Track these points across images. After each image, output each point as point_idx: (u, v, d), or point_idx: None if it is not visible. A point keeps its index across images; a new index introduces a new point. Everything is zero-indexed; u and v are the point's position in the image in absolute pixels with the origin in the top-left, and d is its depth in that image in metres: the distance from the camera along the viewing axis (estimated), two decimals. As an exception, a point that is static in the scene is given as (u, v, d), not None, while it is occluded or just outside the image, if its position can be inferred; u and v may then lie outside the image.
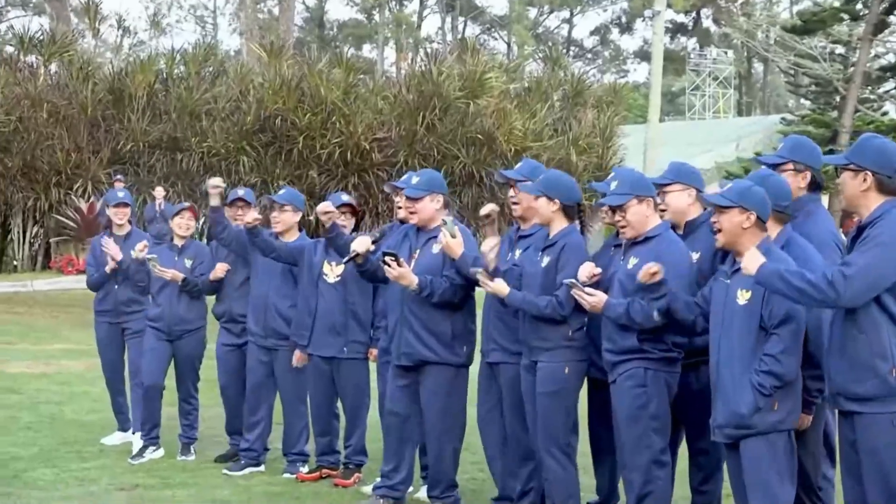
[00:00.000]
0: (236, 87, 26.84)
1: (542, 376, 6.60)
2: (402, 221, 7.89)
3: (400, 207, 7.89)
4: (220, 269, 9.09)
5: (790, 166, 5.95)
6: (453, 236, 7.00)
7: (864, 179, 5.14)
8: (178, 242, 9.34)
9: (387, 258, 7.12)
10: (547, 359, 6.60)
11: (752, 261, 5.26)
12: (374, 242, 7.58)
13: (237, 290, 9.05)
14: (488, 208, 7.51)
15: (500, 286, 6.65)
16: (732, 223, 5.48)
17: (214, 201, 8.71)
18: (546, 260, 6.66)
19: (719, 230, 5.54)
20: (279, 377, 8.73)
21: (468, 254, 7.00)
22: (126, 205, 9.76)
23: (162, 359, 9.29)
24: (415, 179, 7.44)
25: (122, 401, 9.87)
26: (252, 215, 8.52)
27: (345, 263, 7.59)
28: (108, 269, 9.55)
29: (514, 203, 7.09)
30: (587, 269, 6.36)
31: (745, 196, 5.49)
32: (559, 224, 6.71)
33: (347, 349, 8.26)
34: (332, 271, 8.30)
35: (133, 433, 9.55)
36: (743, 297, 5.40)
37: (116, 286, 9.63)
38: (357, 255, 7.45)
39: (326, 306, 8.27)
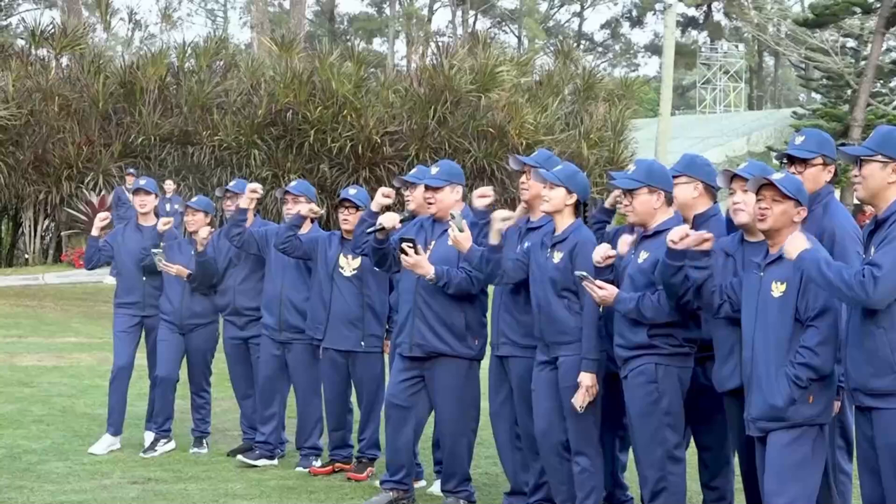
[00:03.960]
0: (247, 81, 26.84)
1: (566, 371, 6.57)
2: (413, 216, 7.87)
3: (409, 202, 7.87)
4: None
5: (819, 160, 5.92)
6: (461, 230, 6.96)
7: (894, 171, 5.11)
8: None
9: (404, 244, 7.08)
10: (569, 352, 6.56)
11: (795, 244, 5.21)
12: (401, 222, 7.57)
13: (241, 283, 9.03)
14: (485, 196, 7.29)
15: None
16: (787, 215, 5.42)
17: (245, 203, 8.72)
18: (558, 256, 6.62)
19: (764, 217, 5.46)
20: (293, 371, 8.73)
21: (477, 248, 6.96)
22: (148, 192, 9.46)
23: (175, 351, 9.28)
24: (434, 170, 7.43)
25: (120, 403, 9.42)
26: (311, 207, 8.49)
27: (368, 234, 7.53)
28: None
29: (524, 189, 7.06)
30: (602, 251, 6.31)
31: (802, 191, 5.48)
32: (567, 218, 6.68)
33: (365, 343, 8.25)
34: (349, 264, 8.29)
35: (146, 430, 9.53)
36: (778, 289, 5.35)
37: (144, 278, 9.43)
38: (383, 228, 7.41)
39: (343, 299, 8.25)
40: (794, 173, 5.80)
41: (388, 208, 7.86)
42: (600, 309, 6.42)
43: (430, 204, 7.38)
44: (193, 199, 9.47)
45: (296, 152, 25.81)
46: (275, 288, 8.71)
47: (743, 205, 5.84)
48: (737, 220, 5.89)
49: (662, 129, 35.49)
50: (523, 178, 7.08)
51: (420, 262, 7.07)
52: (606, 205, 7.05)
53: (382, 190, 7.73)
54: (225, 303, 9.14)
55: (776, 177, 5.48)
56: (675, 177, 6.34)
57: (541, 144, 25.26)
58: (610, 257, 6.29)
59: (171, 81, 27.07)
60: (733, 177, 5.92)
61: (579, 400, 6.42)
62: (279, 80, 26.26)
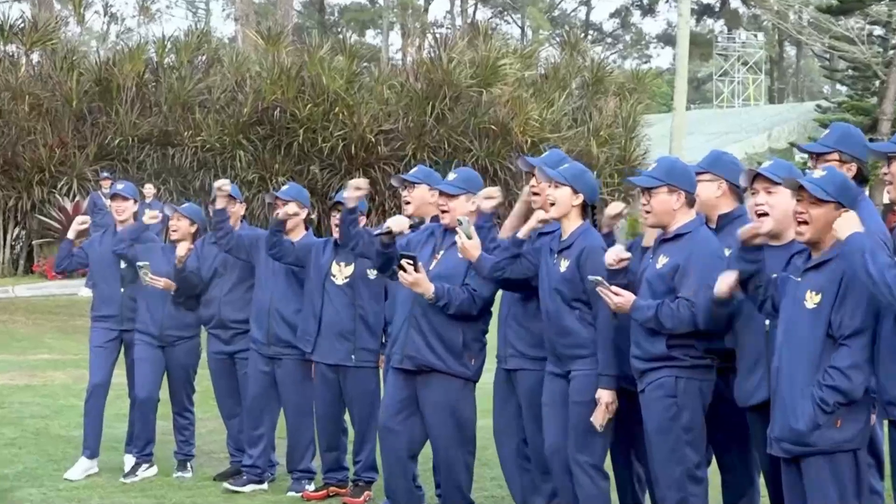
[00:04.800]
0: (232, 77, 26.86)
1: (578, 385, 6.57)
2: (421, 221, 7.85)
3: (408, 203, 7.85)
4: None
5: (835, 156, 5.89)
6: (469, 237, 6.95)
7: None
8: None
9: (403, 260, 7.07)
10: (583, 367, 6.55)
11: (849, 224, 5.09)
12: (410, 227, 7.61)
13: (228, 294, 9.00)
14: (491, 197, 7.19)
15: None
16: (827, 219, 5.28)
17: (220, 203, 8.71)
18: (564, 264, 6.60)
19: (805, 222, 5.34)
20: (282, 388, 8.70)
21: (486, 256, 6.95)
22: (126, 198, 9.42)
23: (156, 369, 9.24)
24: (451, 176, 7.46)
25: (97, 424, 9.36)
26: (291, 208, 8.47)
27: (375, 236, 7.56)
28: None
29: (536, 193, 7.04)
30: (615, 253, 6.29)
31: (845, 193, 5.32)
32: (574, 221, 6.66)
33: (356, 357, 8.23)
34: (341, 272, 8.28)
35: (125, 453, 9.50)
36: (812, 300, 5.26)
37: (123, 289, 9.40)
38: (390, 231, 7.42)
39: (334, 310, 8.25)
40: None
41: (396, 211, 7.90)
42: (615, 318, 6.40)
43: (443, 212, 7.37)
44: (184, 206, 9.44)
45: (284, 153, 25.80)
46: (264, 298, 8.69)
47: (767, 207, 5.77)
48: (760, 228, 5.73)
49: (677, 124, 35.52)
50: (533, 182, 7.05)
51: (419, 281, 7.06)
52: (603, 228, 6.98)
53: (352, 182, 7.77)
54: (209, 315, 9.09)
55: (816, 175, 5.35)
56: (698, 174, 6.32)
57: (547, 142, 25.27)
58: (624, 260, 6.27)
59: (150, 78, 27.08)
60: (756, 176, 5.87)
61: (599, 419, 6.41)
62: (265, 76, 26.26)
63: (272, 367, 8.72)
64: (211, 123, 25.79)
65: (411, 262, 7.03)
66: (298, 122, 25.65)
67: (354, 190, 7.78)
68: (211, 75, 27.22)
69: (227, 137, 25.72)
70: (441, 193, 7.39)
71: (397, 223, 7.49)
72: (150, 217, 9.21)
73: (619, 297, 6.14)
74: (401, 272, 7.05)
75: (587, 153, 26.59)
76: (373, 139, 25.58)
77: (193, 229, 9.22)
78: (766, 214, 5.75)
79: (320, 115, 25.66)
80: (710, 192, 6.33)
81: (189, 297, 9.13)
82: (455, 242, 7.15)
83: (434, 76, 26.46)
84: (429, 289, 7.04)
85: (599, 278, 6.18)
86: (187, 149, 25.72)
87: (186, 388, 9.42)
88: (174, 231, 9.19)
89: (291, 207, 8.52)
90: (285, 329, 8.58)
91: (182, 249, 8.89)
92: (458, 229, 7.01)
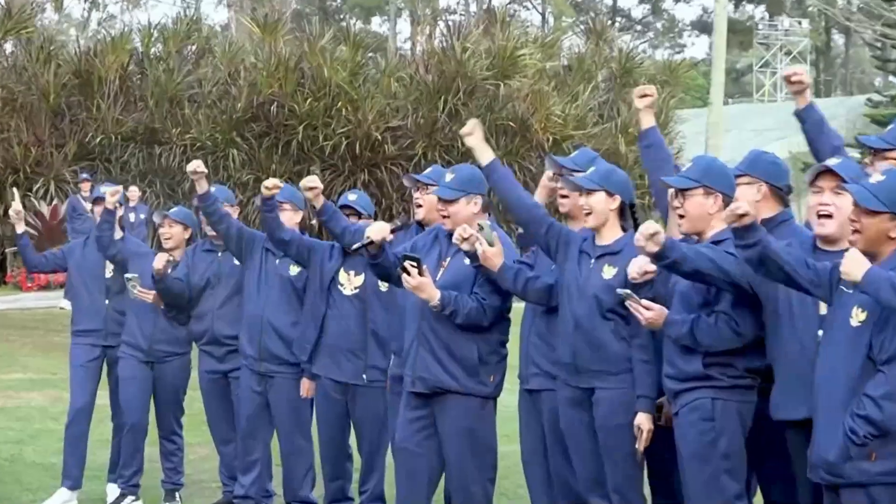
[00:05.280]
0: (224, 69, 26.92)
1: (606, 409, 6.56)
2: (420, 224, 7.83)
3: (420, 206, 7.84)
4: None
5: (895, 154, 5.85)
6: (491, 244, 6.91)
7: None
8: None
9: (406, 263, 7.04)
10: (609, 386, 6.55)
11: (854, 264, 5.04)
12: (392, 231, 7.49)
13: (222, 307, 8.99)
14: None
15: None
16: (879, 230, 5.21)
17: (201, 187, 8.62)
18: (611, 272, 6.58)
19: (858, 231, 5.27)
20: (275, 409, 8.66)
21: (510, 266, 6.93)
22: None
23: (145, 390, 9.25)
24: (448, 177, 7.36)
25: (78, 451, 9.38)
26: (273, 182, 8.44)
27: (353, 252, 7.51)
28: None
29: (564, 196, 7.04)
30: (638, 265, 6.28)
31: None
32: (615, 228, 6.66)
33: (367, 375, 8.22)
34: (350, 282, 8.26)
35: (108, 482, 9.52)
36: (857, 317, 5.18)
37: (108, 300, 9.41)
38: (371, 242, 7.34)
39: (341, 321, 8.22)
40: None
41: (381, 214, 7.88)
42: (654, 335, 6.40)
43: (444, 217, 7.35)
44: (174, 210, 9.43)
45: (282, 152, 25.86)
46: (255, 309, 8.65)
47: (833, 209, 5.64)
48: (819, 230, 5.70)
49: (713, 120, 35.48)
50: (559, 183, 7.05)
51: (424, 286, 7.00)
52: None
53: (305, 181, 7.84)
54: (201, 330, 9.07)
55: (873, 179, 5.24)
56: (736, 176, 6.30)
57: (570, 140, 25.29)
58: (648, 273, 6.27)
59: (135, 70, 27.15)
60: (821, 173, 5.73)
61: (642, 446, 6.42)
62: (261, 68, 26.32)
63: (264, 387, 8.71)
64: (201, 120, 25.85)
65: (415, 264, 7.00)
66: (297, 119, 25.69)
67: (308, 191, 7.91)
68: (201, 67, 27.29)
69: (220, 135, 25.77)
70: (439, 199, 7.33)
71: (377, 231, 7.28)
72: (111, 194, 9.13)
73: (651, 312, 6.11)
74: (404, 275, 7.02)
75: (615, 152, 26.59)
76: (379, 137, 25.61)
77: (188, 235, 9.22)
78: (829, 217, 5.64)
79: (321, 110, 25.70)
80: (750, 196, 6.28)
81: (182, 311, 9.14)
82: (460, 249, 7.14)
83: (446, 68, 26.49)
84: (434, 294, 6.99)
85: (628, 291, 6.16)
86: (175, 148, 25.78)
87: (175, 411, 9.42)
88: (167, 239, 9.18)
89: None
90: (279, 344, 8.56)
91: (160, 261, 8.81)
92: (477, 234, 6.94)
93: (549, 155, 7.37)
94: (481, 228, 6.90)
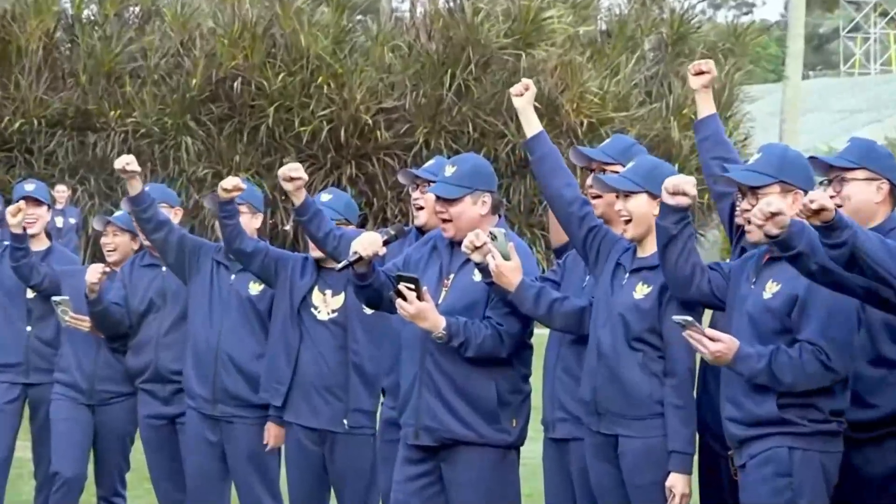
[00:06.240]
0: (175, 36, 26.90)
1: (632, 462, 6.58)
2: (421, 230, 7.85)
3: (420, 208, 7.84)
4: (93, 272, 8.93)
5: None
6: (506, 258, 6.87)
7: None
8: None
9: (402, 284, 7.00)
10: (635, 434, 6.57)
11: None
12: (385, 243, 7.44)
13: (167, 335, 9.00)
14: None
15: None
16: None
17: (133, 188, 8.58)
18: (643, 289, 6.59)
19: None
20: (234, 462, 8.68)
21: (531, 284, 6.91)
22: (39, 202, 9.50)
23: (84, 435, 9.26)
24: (449, 170, 7.31)
25: None
26: (232, 182, 8.42)
27: (339, 271, 7.45)
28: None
29: (595, 197, 7.02)
30: (674, 181, 6.29)
31: None
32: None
33: (349, 420, 8.22)
34: (326, 304, 8.25)
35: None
36: None
37: (29, 327, 9.44)
38: (360, 258, 7.25)
39: (316, 354, 8.21)
40: None
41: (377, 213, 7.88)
42: (696, 372, 6.42)
43: (444, 221, 7.31)
44: (118, 215, 9.41)
45: (247, 140, 25.85)
46: (208, 337, 8.62)
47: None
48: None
49: (790, 98, 35.49)
50: (589, 181, 7.05)
51: (424, 313, 6.95)
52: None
53: (285, 170, 7.84)
54: (141, 364, 9.06)
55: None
56: (845, 169, 6.30)
57: (610, 125, 25.26)
58: (686, 195, 6.26)
59: (63, 38, 27.16)
60: None
61: None
62: (222, 35, 26.32)
63: (219, 436, 8.70)
64: (147, 100, 25.83)
65: (412, 286, 6.94)
66: (267, 98, 25.68)
67: (288, 182, 7.88)
68: (147, 34, 27.27)
69: (170, 119, 25.76)
70: (437, 198, 7.29)
71: (367, 244, 7.14)
72: (12, 214, 9.10)
73: (718, 344, 6.04)
74: (399, 301, 6.97)
75: (666, 139, 26.60)
76: (370, 121, 25.59)
77: (136, 246, 9.21)
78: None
79: (297, 87, 25.69)
80: (867, 195, 6.29)
81: (119, 341, 9.13)
82: (468, 260, 7.10)
83: (454, 34, 26.48)
84: (438, 323, 6.95)
85: (689, 318, 6.12)
86: (114, 135, 25.76)
87: (119, 464, 9.44)
88: (111, 251, 9.19)
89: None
90: (238, 380, 8.54)
91: (93, 274, 8.76)
92: (490, 245, 6.91)
93: (574, 148, 7.32)
94: (494, 238, 6.83)
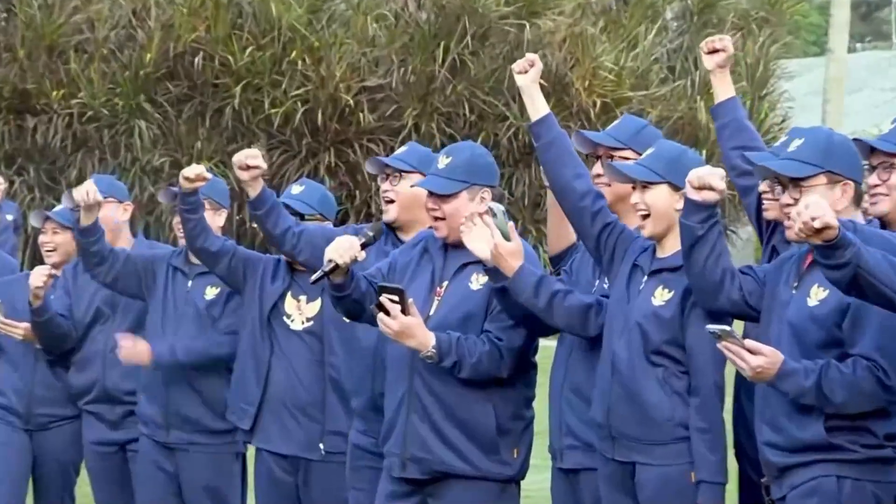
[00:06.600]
0: (127, 5, 26.90)
1: (652, 493, 6.62)
2: (392, 228, 7.91)
3: (391, 201, 7.87)
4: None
5: None
6: (507, 238, 6.85)
7: None
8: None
9: (384, 297, 6.96)
10: (656, 461, 6.59)
11: None
12: (364, 246, 7.40)
13: (116, 349, 8.99)
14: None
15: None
16: None
17: (85, 219, 8.64)
18: (663, 294, 6.61)
19: None
20: (189, 497, 8.79)
21: (532, 270, 6.87)
22: None
23: (20, 463, 9.33)
24: (443, 161, 7.31)
25: None
26: (195, 170, 8.40)
27: (314, 283, 7.42)
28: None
29: (604, 185, 7.03)
30: (698, 173, 6.27)
31: None
32: (678, 231, 6.59)
33: (326, 444, 8.23)
34: (300, 311, 8.28)
35: None
36: None
37: None
38: (336, 267, 7.21)
39: (289, 369, 8.24)
40: None
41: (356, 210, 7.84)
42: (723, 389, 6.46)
43: (436, 220, 7.28)
44: (58, 209, 9.44)
45: (210, 125, 25.88)
46: (160, 354, 8.66)
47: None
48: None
49: (834, 75, 35.57)
50: (597, 169, 7.07)
51: (410, 329, 6.97)
52: None
53: (240, 156, 7.78)
54: (86, 383, 9.11)
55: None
56: (894, 154, 6.26)
57: (626, 105, 25.30)
58: (714, 189, 6.23)
59: (-2, 8, 27.17)
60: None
61: None
62: (181, 3, 26.31)
63: (175, 466, 8.70)
64: (95, 78, 25.85)
65: (396, 298, 6.91)
66: (233, 76, 25.72)
67: (243, 171, 7.94)
68: (94, 2, 27.26)
69: (121, 100, 25.79)
70: (430, 194, 7.29)
71: (343, 250, 7.10)
72: (42, 277, 9.09)
73: (760, 358, 6.00)
74: (381, 316, 6.93)
75: (691, 121, 26.68)
76: (351, 102, 25.63)
77: None
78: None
79: (268, 63, 25.74)
80: None
81: (61, 356, 9.14)
82: (466, 266, 7.11)
83: (448, 1, 26.51)
84: (426, 340, 6.97)
85: (727, 328, 6.07)
86: (57, 118, 25.78)
87: (62, 497, 9.51)
88: (51, 251, 9.23)
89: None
90: (194, 402, 8.59)
91: (38, 277, 8.76)
92: (488, 221, 6.90)
93: (576, 132, 7.28)
94: (494, 215, 6.87)
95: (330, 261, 7.08)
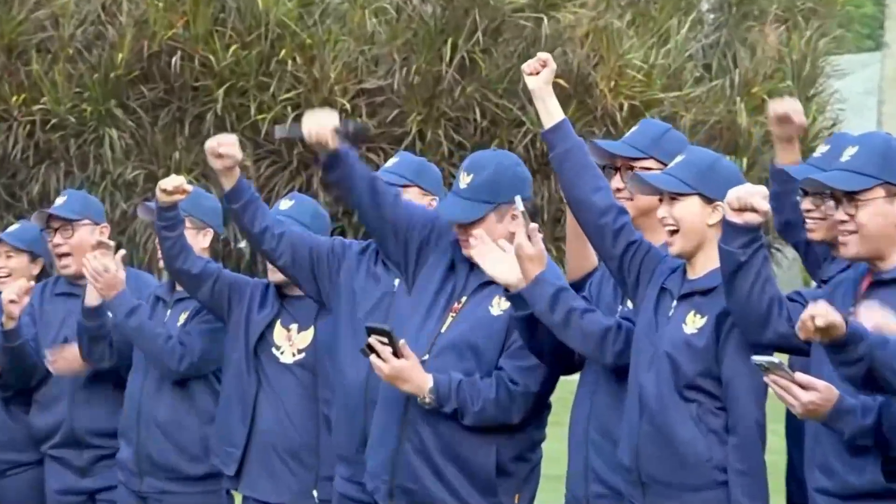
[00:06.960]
0: (96, 0, 26.93)
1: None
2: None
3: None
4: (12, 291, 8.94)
5: None
6: (530, 237, 6.81)
7: None
8: None
9: (373, 338, 6.97)
10: None
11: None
12: (339, 136, 7.51)
13: (86, 386, 8.99)
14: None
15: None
16: None
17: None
18: (695, 321, 6.60)
19: None
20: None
21: (551, 281, 6.84)
22: None
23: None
24: (464, 179, 7.30)
25: None
26: (173, 182, 8.41)
27: (279, 140, 7.47)
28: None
29: (626, 200, 7.02)
30: (737, 193, 6.19)
31: None
32: (712, 250, 6.57)
33: (320, 492, 8.27)
34: (291, 342, 8.28)
35: None
36: None
37: None
38: (301, 139, 7.42)
39: (279, 407, 8.26)
40: None
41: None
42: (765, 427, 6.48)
43: (466, 243, 7.28)
44: (12, 229, 9.47)
45: (190, 132, 25.92)
46: (131, 390, 8.68)
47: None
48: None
49: (890, 73, 35.53)
50: (617, 181, 7.08)
51: (402, 373, 7.01)
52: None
53: (213, 141, 7.83)
54: (51, 424, 9.11)
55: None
56: None
57: (657, 108, 25.30)
58: (757, 211, 6.17)
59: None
60: None
61: None
62: (155, -2, 26.40)
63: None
64: (59, 81, 25.90)
65: (385, 339, 6.91)
66: (215, 78, 25.78)
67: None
68: (58, -2, 27.36)
69: (89, 105, 25.84)
70: (459, 226, 7.30)
71: (314, 124, 7.40)
72: (18, 293, 9.14)
73: (812, 394, 6.00)
74: (372, 358, 6.95)
75: (730, 126, 26.69)
76: (347, 106, 25.63)
77: (37, 269, 9.24)
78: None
79: (254, 64, 25.80)
80: None
81: (21, 386, 9.16)
82: (486, 285, 7.12)
83: (456, -7, 26.59)
84: (423, 384, 7.00)
85: (775, 360, 6.06)
86: (17, 126, 25.83)
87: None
88: (4, 277, 9.21)
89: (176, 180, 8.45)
90: (165, 446, 8.58)
91: (13, 291, 8.76)
92: (515, 212, 6.96)
93: (591, 141, 7.23)
94: (523, 213, 6.88)
95: (308, 130, 7.43)
